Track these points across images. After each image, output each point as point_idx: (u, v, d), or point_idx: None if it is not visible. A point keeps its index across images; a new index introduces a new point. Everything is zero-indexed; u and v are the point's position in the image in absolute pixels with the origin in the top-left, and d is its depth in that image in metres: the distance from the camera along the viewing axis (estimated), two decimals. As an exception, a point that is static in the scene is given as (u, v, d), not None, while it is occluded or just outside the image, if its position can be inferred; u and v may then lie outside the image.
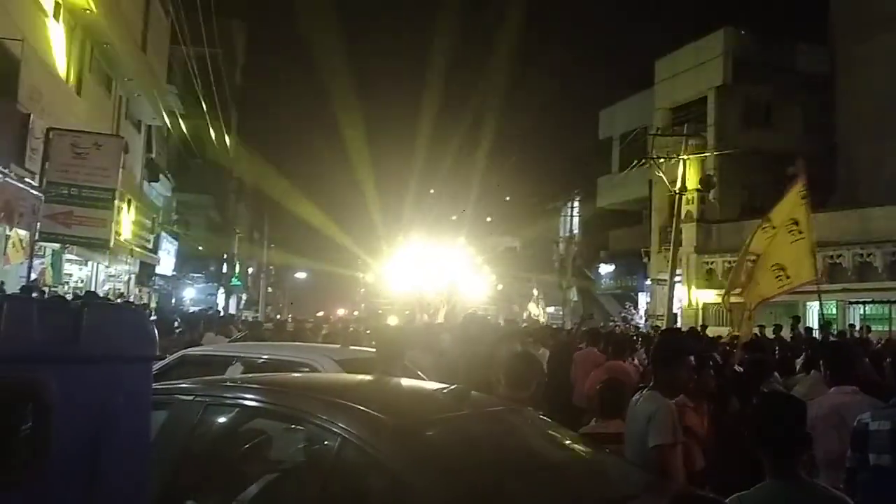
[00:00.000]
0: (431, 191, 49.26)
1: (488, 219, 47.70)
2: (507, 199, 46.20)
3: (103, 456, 2.24)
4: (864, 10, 25.97)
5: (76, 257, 17.91)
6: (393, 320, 20.21)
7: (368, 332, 12.34)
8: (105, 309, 2.60)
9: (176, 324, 15.32)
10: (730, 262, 25.49)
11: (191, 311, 25.16)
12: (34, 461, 2.14)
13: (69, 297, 14.81)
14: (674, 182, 24.28)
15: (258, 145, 48.50)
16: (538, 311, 36.14)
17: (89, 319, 2.22)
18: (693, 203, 25.82)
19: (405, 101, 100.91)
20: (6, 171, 12.45)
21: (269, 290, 55.86)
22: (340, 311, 48.49)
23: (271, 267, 58.71)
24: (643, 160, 26.42)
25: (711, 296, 25.71)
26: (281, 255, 64.80)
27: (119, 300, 18.75)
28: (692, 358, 4.64)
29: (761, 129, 28.11)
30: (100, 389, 2.25)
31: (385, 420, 3.15)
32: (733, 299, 10.32)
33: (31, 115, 13.82)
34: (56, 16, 16.33)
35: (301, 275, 68.95)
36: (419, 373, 6.22)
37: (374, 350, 5.69)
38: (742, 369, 7.08)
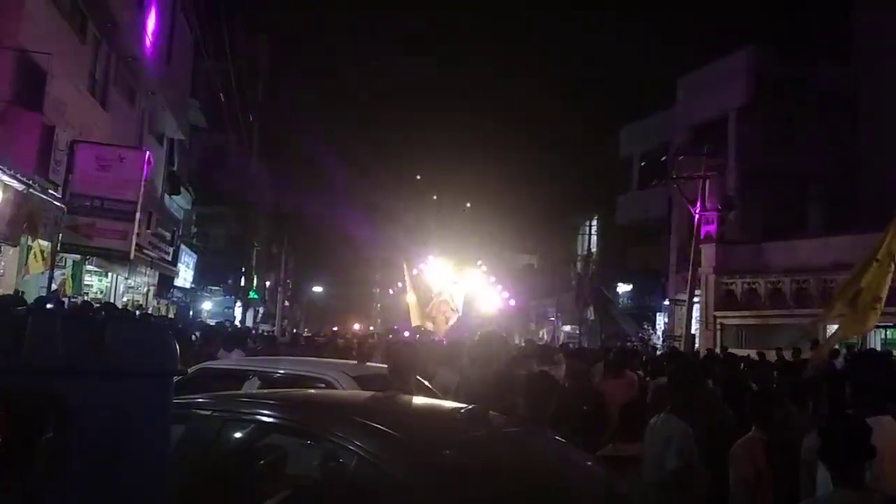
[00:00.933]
0: (434, 197, 49.43)
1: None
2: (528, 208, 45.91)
3: (123, 470, 2.25)
4: (888, 30, 25.84)
5: (96, 268, 18.08)
6: (405, 336, 20.17)
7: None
8: (128, 323, 2.61)
9: (193, 337, 15.39)
10: (749, 284, 25.31)
11: (208, 323, 25.27)
12: (54, 474, 2.15)
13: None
14: (694, 201, 24.17)
15: (279, 160, 48.88)
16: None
17: (112, 333, 2.23)
18: (713, 223, 25.66)
19: (426, 117, 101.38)
20: (30, 182, 12.61)
21: (287, 304, 56.01)
22: (356, 326, 48.59)
23: (289, 281, 58.91)
24: (663, 179, 26.31)
25: (731, 317, 25.54)
26: (299, 269, 65.03)
27: (137, 312, 18.89)
28: (710, 381, 4.60)
29: (783, 149, 27.94)
30: (121, 403, 2.26)
31: (402, 439, 3.14)
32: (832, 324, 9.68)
33: (56, 128, 14.02)
34: (82, 30, 16.59)
35: (318, 289, 69.14)
36: (439, 392, 6.19)
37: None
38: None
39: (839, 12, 29.20)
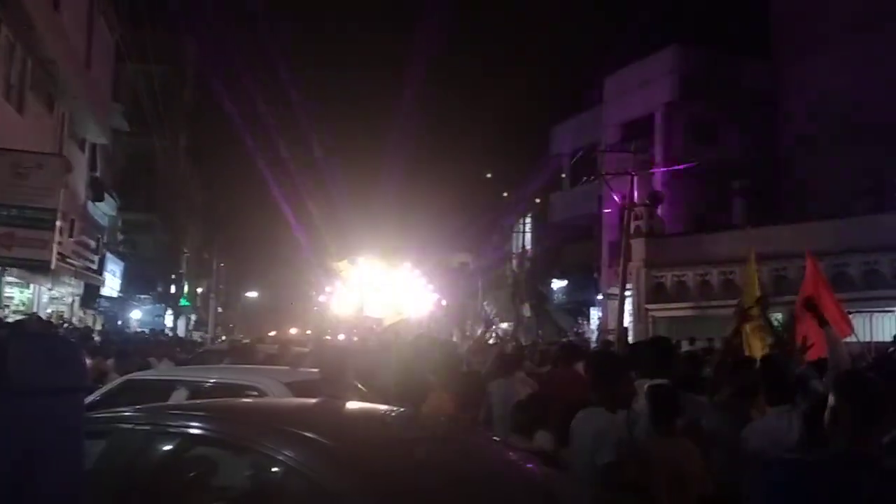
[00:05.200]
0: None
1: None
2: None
3: (34, 491, 2.15)
4: (803, 30, 26.80)
5: (17, 279, 17.44)
6: (337, 340, 20.06)
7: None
8: (33, 339, 2.49)
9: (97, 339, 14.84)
10: (678, 277, 25.89)
11: (142, 332, 24.61)
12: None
13: (9, 320, 14.36)
14: (623, 198, 24.60)
15: (209, 163, 47.92)
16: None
17: (15, 351, 2.13)
18: (642, 218, 26.15)
19: (359, 118, 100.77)
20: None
21: (220, 310, 55.05)
22: (293, 331, 48.04)
23: (221, 287, 57.91)
24: (593, 176, 26.69)
25: (662, 309, 26.06)
26: (232, 274, 63.97)
27: (61, 324, 18.30)
28: (633, 374, 4.67)
29: (706, 145, 28.66)
30: (28, 423, 2.16)
31: (330, 446, 3.09)
32: None
33: (-31, 135, 13.47)
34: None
35: (252, 294, 68.11)
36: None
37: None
38: None
39: (760, 9, 30.00)
